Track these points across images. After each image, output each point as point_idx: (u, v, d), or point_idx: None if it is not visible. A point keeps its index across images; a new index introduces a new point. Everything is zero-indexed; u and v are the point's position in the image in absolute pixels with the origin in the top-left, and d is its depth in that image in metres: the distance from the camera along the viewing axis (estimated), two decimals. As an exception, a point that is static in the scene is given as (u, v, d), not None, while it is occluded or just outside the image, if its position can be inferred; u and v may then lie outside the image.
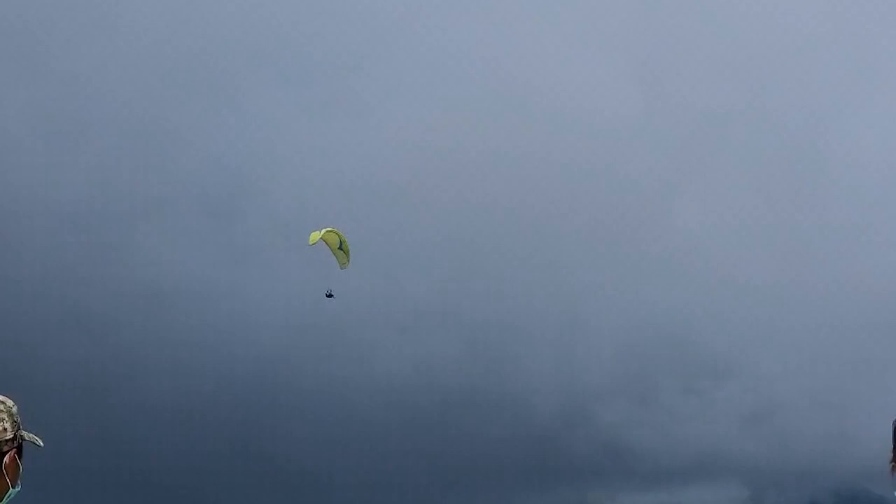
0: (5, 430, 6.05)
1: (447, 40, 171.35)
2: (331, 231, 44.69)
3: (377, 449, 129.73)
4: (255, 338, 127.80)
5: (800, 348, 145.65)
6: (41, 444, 6.30)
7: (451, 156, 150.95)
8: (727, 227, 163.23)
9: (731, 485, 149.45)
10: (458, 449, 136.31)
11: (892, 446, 6.37)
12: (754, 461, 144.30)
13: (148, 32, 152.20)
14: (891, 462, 6.39)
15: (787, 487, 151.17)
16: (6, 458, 6.06)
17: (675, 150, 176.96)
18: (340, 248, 45.82)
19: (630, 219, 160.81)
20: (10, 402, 6.15)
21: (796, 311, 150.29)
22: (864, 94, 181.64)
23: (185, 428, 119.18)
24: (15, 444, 6.13)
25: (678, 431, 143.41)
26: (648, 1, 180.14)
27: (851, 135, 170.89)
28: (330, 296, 46.87)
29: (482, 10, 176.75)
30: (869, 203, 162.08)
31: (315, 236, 43.65)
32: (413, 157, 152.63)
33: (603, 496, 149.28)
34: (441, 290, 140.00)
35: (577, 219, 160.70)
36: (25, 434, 6.27)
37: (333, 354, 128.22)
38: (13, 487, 6.13)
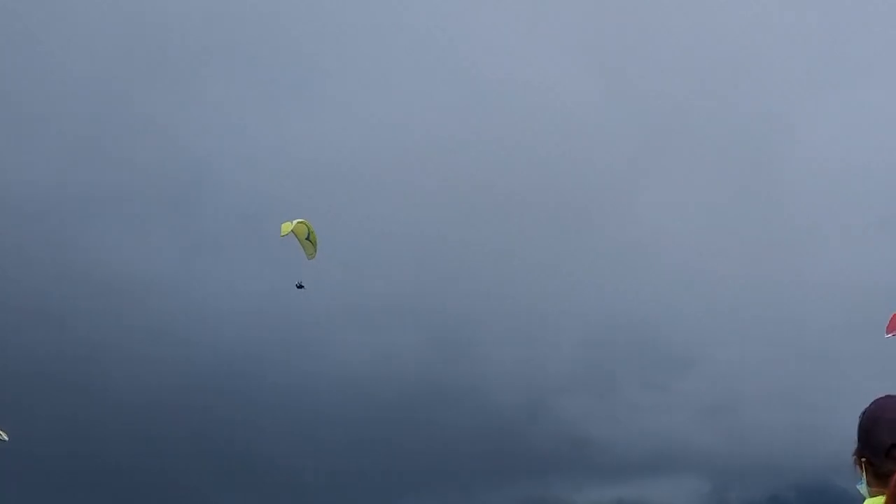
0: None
1: (410, 31, 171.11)
2: (300, 222, 44.79)
3: (341, 440, 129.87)
4: (217, 330, 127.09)
5: (762, 341, 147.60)
6: (5, 437, 6.23)
7: (413, 148, 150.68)
8: (689, 220, 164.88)
9: (693, 478, 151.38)
10: (422, 443, 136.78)
11: (857, 439, 6.46)
12: (716, 455, 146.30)
13: (105, 21, 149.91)
14: (854, 455, 6.49)
15: (750, 481, 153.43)
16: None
17: (637, 144, 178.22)
18: (308, 238, 45.81)
19: (592, 212, 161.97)
20: None
21: (758, 303, 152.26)
22: (828, 86, 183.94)
23: (146, 420, 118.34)
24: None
25: (640, 425, 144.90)
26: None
27: (815, 128, 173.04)
28: (300, 287, 46.78)
29: (446, 1, 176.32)
30: (832, 196, 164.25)
31: (287, 227, 43.75)
32: (375, 149, 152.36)
33: (566, 490, 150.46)
34: (403, 282, 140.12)
35: (538, 212, 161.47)
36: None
37: (296, 347, 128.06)
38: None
